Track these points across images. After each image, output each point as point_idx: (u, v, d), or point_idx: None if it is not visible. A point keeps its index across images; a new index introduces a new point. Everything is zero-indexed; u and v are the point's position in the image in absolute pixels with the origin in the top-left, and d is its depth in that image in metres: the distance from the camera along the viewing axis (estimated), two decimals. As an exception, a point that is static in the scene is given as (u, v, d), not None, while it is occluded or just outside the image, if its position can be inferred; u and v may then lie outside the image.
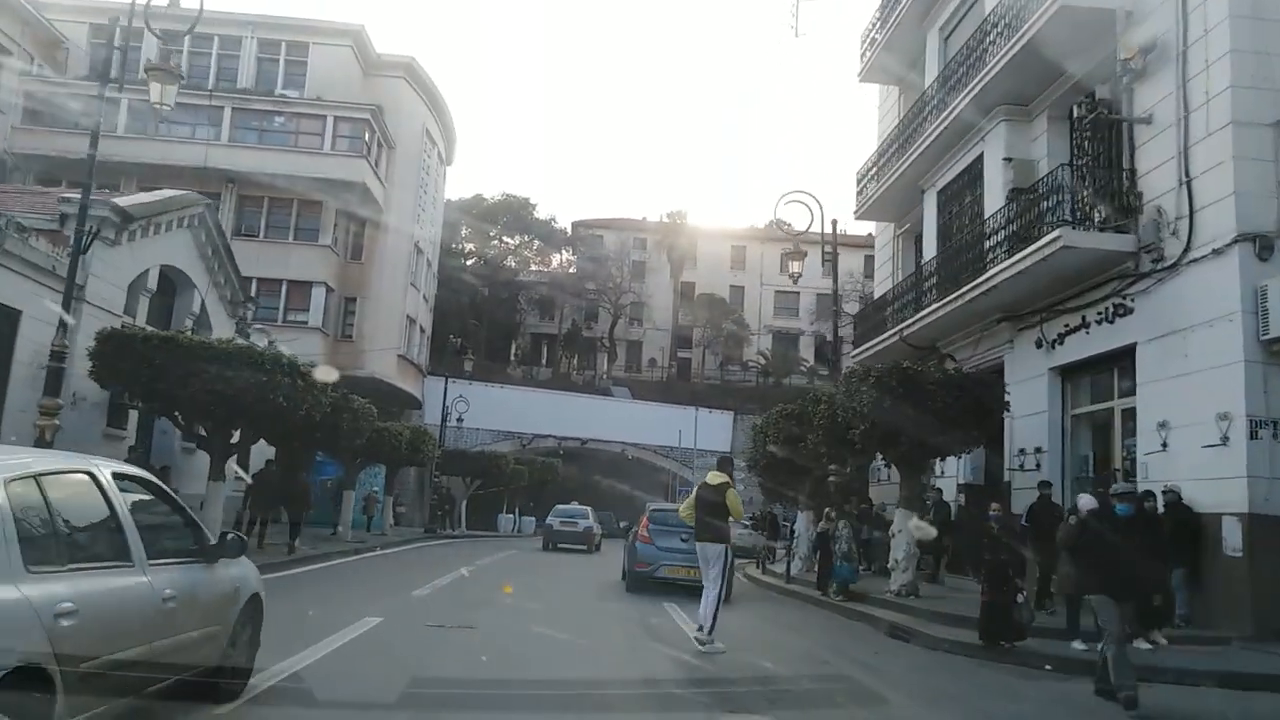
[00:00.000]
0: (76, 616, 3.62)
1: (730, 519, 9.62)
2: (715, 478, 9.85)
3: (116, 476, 4.50)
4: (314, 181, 32.83)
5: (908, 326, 16.66)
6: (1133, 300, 11.92)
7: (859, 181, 20.65)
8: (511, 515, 47.50)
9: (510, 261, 61.91)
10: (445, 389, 38.25)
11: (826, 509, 14.82)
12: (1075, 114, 13.34)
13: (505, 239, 60.60)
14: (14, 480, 3.63)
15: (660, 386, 61.19)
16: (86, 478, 4.25)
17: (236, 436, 14.98)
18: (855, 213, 18.35)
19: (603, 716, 6.54)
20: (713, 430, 56.83)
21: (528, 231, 59.50)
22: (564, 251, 61.78)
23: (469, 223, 60.01)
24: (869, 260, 68.91)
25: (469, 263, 60.71)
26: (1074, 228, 12.08)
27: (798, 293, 68.00)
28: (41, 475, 3.91)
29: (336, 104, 33.68)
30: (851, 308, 67.28)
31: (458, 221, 58.90)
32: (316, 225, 33.86)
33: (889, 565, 13.36)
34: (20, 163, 30.79)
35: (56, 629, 3.49)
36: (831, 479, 16.35)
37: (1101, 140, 12.95)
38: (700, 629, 9.03)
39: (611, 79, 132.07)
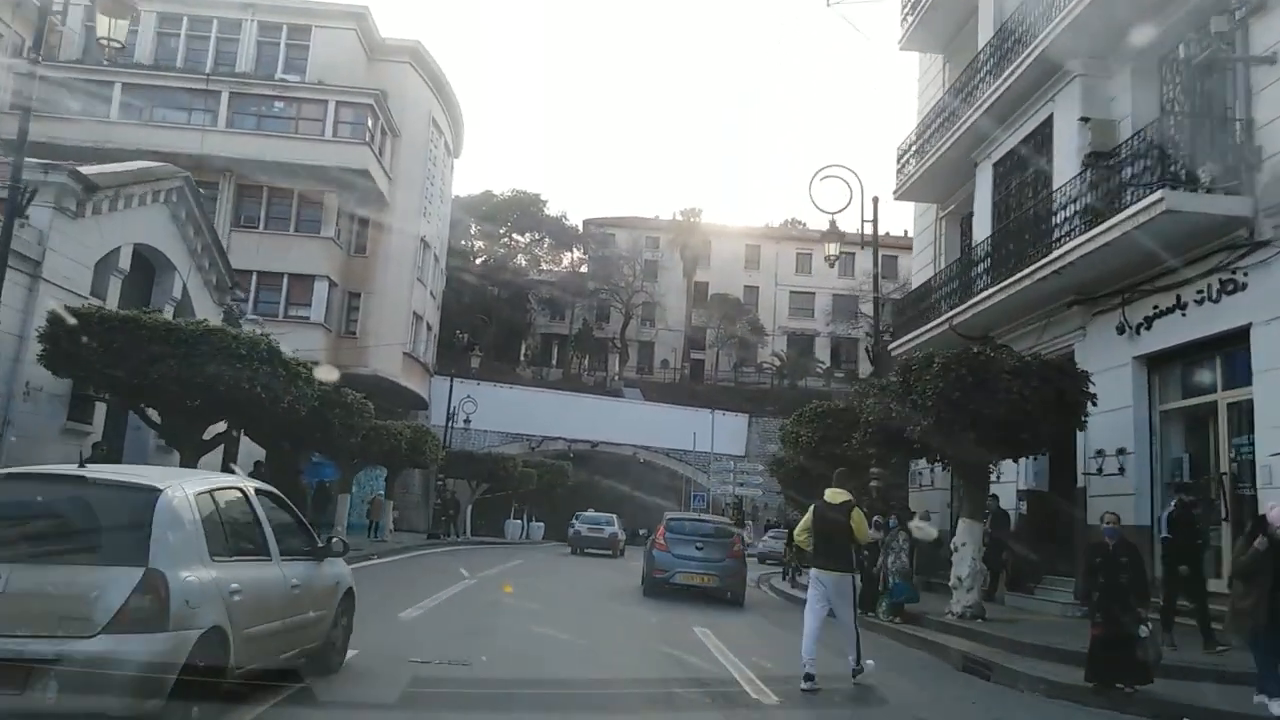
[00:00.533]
0: (241, 595, 5.02)
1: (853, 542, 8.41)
2: (836, 495, 8.39)
3: (258, 491, 5.98)
4: (315, 170, 31.33)
5: (958, 314, 14.91)
6: (1246, 274, 10.16)
7: (899, 159, 18.89)
8: (519, 521, 45.80)
9: (520, 260, 60.36)
10: (451, 388, 36.60)
11: (875, 517, 13.10)
12: (1183, 54, 11.55)
13: (515, 236, 59.05)
14: (199, 494, 5.08)
15: (672, 388, 59.50)
16: (239, 492, 5.76)
17: (212, 433, 13.35)
18: (894, 193, 16.61)
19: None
20: (727, 433, 55.15)
21: (538, 229, 57.95)
22: (575, 250, 60.15)
23: (477, 220, 58.53)
24: (888, 261, 67.25)
25: (478, 261, 59.21)
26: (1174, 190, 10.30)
27: (813, 293, 66.43)
28: (214, 490, 5.35)
29: (339, 89, 32.14)
30: (868, 309, 65.56)
31: (466, 218, 57.45)
32: (318, 217, 32.32)
33: (950, 584, 11.55)
34: (5, 149, 29.36)
35: (230, 602, 4.90)
36: (874, 483, 14.62)
37: (1204, 90, 11.21)
38: (853, 662, 8.17)
39: (622, 74, 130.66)
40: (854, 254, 69.26)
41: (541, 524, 48.39)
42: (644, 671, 8.48)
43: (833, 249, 15.28)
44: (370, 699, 5.90)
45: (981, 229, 14.96)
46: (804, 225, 71.42)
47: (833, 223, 15.24)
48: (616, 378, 58.91)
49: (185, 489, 4.99)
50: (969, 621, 11.14)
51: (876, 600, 12.29)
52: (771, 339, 63.82)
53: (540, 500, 49.01)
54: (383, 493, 27.14)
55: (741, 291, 64.09)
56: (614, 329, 62.55)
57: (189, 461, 12.66)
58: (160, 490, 4.80)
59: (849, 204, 15.15)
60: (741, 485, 41.78)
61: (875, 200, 16.13)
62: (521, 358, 58.97)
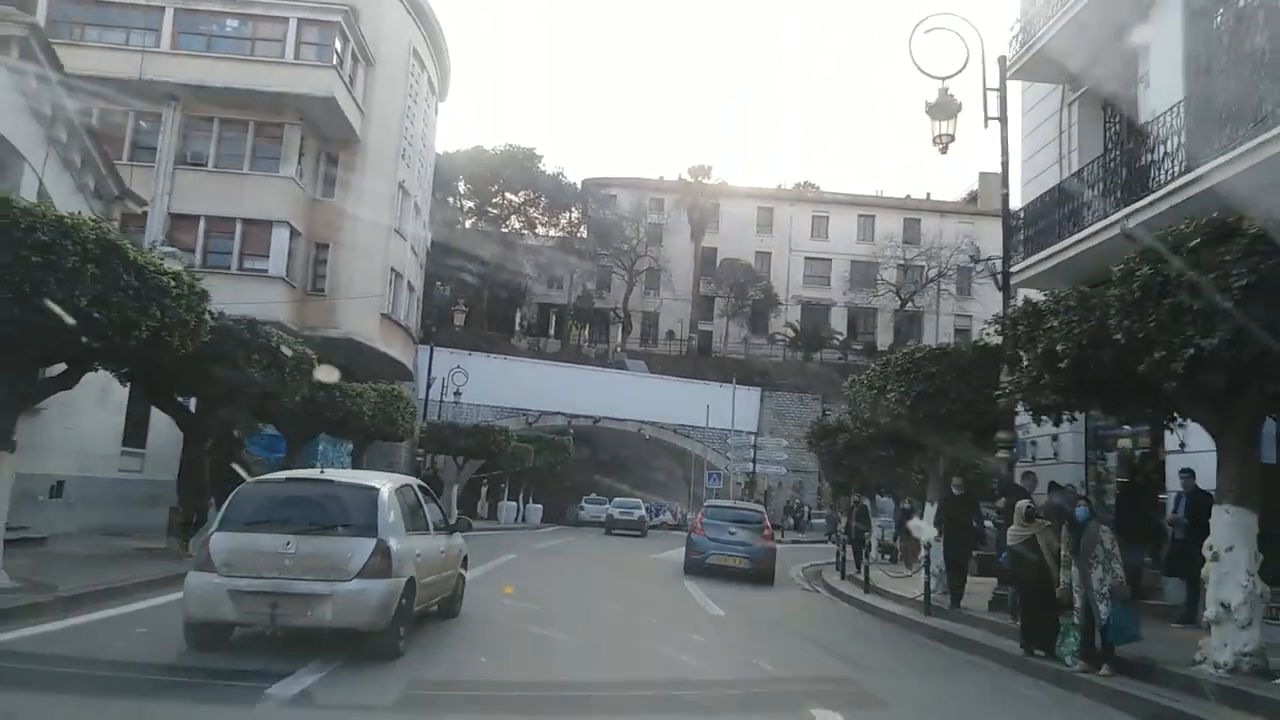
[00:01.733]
0: (420, 557, 7.85)
1: None
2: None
3: (419, 486, 9.09)
4: (274, 99, 27.00)
5: (1138, 211, 10.32)
6: None
7: (1021, 17, 14.08)
8: (514, 503, 41.68)
9: (515, 221, 55.87)
10: (430, 355, 32.47)
11: (1024, 503, 8.86)
12: None
13: (509, 195, 54.52)
14: (396, 489, 7.92)
15: (679, 361, 55.31)
16: (412, 488, 8.74)
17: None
18: (1009, 71, 12.10)
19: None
20: (738, 408, 51.00)
21: (534, 186, 53.41)
22: (573, 210, 55.64)
23: (467, 178, 54.03)
24: (910, 224, 62.95)
25: (468, 223, 54.75)
26: None
27: (829, 260, 62.18)
28: (401, 486, 8.24)
29: (302, 4, 27.65)
30: (890, 274, 61.40)
31: (455, 175, 52.96)
32: (277, 153, 27.87)
33: (1208, 618, 7.01)
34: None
35: (416, 562, 7.68)
36: (1001, 451, 10.43)
37: None
38: None
39: (624, 24, 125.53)
40: (873, 216, 65.21)
41: (539, 506, 44.33)
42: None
43: (945, 126, 10.87)
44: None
45: (1166, 93, 10.47)
46: (817, 188, 67.06)
47: (944, 90, 10.85)
48: (619, 349, 54.66)
49: (389, 486, 7.89)
50: (1245, 679, 6.81)
51: (1063, 637, 7.83)
52: (785, 309, 59.57)
53: (540, 480, 45.02)
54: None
55: (753, 258, 59.83)
56: (616, 297, 58.24)
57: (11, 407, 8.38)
58: (379, 489, 7.66)
59: (964, 66, 10.72)
60: (761, 463, 37.61)
61: (1002, 60, 11.66)
62: (517, 327, 54.65)
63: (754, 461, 36.59)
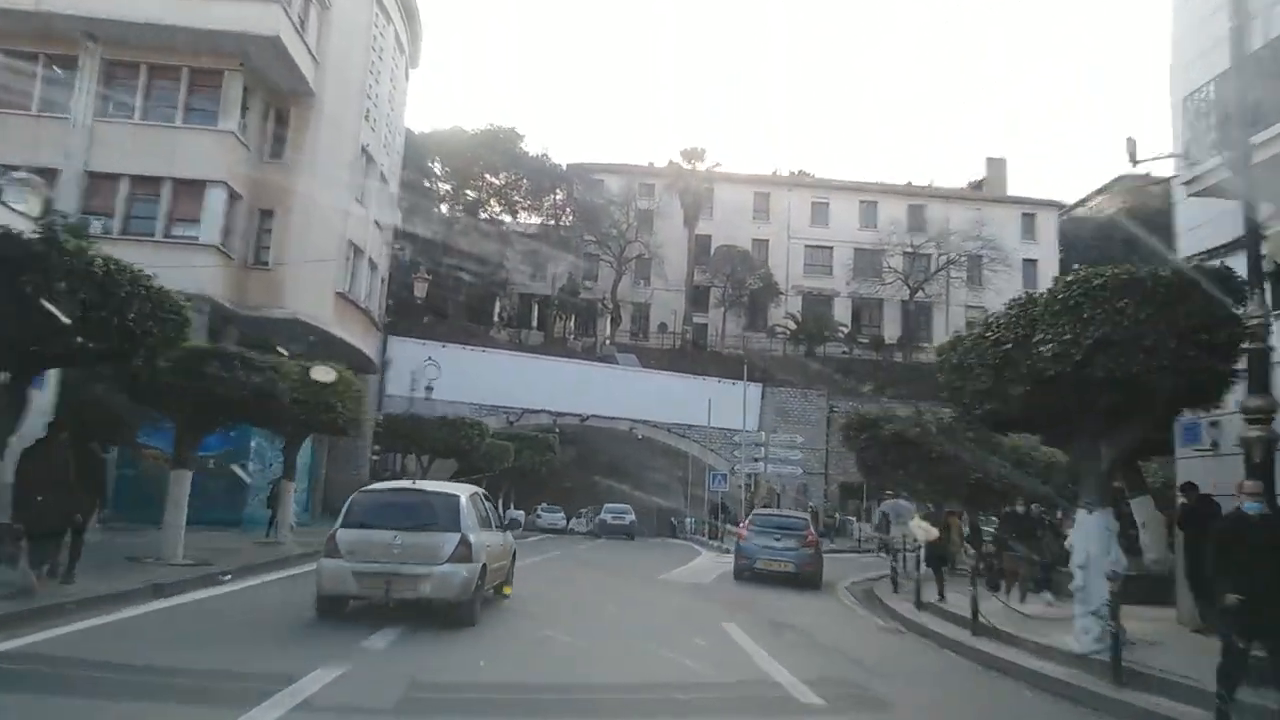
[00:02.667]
0: (487, 548, 10.03)
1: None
2: None
3: (485, 494, 11.63)
4: (208, 38, 23.17)
5: None
6: None
7: None
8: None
9: (495, 205, 51.95)
10: (384, 343, 28.71)
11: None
12: None
13: (489, 177, 50.62)
14: (470, 496, 10.36)
15: (672, 356, 51.56)
16: (480, 494, 11.08)
17: None
18: None
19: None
20: (738, 405, 47.29)
21: (516, 168, 49.54)
22: (558, 193, 51.79)
23: (445, 158, 50.10)
24: (914, 210, 59.46)
25: (445, 207, 50.82)
26: None
27: (830, 248, 58.65)
28: (474, 494, 10.64)
29: (239, -72, 23.73)
30: (896, 262, 57.83)
31: (431, 156, 49.05)
32: (215, 104, 23.96)
33: None
34: None
35: (486, 551, 9.93)
36: (1255, 427, 6.55)
37: None
38: None
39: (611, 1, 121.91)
40: (875, 202, 61.69)
41: (520, 512, 40.49)
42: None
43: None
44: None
45: None
46: (813, 177, 63.50)
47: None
48: (608, 342, 50.86)
49: (467, 494, 10.39)
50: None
51: None
52: (785, 299, 55.91)
53: (524, 483, 41.23)
54: (267, 469, 18.99)
55: (750, 246, 56.10)
56: (603, 287, 54.45)
57: None
58: (459, 496, 10.12)
59: None
60: (773, 463, 33.95)
61: None
62: (496, 319, 50.69)
63: (764, 461, 32.87)
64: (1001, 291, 58.83)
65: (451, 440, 24.51)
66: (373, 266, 31.09)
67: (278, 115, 25.84)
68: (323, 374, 14.80)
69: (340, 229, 27.42)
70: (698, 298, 55.83)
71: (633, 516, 39.67)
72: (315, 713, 5.64)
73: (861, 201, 59.41)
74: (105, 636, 8.06)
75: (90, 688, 6.07)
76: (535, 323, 52.10)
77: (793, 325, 54.60)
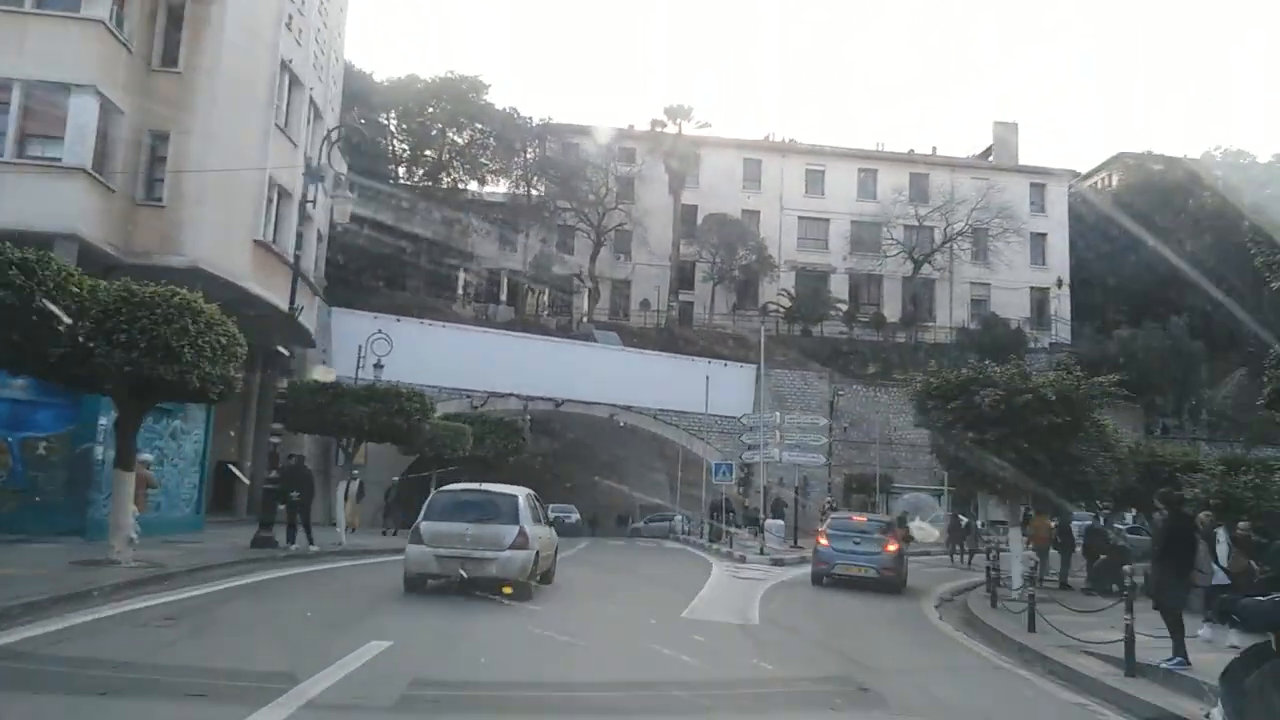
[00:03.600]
0: (540, 539, 12.50)
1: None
2: None
3: (536, 496, 13.55)
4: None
5: None
6: None
7: None
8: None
9: (458, 168, 46.51)
10: (289, 292, 23.36)
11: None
12: None
13: (451, 135, 45.21)
14: (526, 496, 12.73)
15: (656, 336, 46.53)
16: (533, 494, 13.24)
17: None
18: None
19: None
20: (729, 389, 42.41)
21: (480, 121, 44.14)
22: (528, 152, 46.47)
23: (401, 113, 44.64)
24: (917, 178, 54.82)
25: (401, 169, 45.39)
26: None
27: (826, 220, 53.88)
28: (527, 494, 12.87)
29: None
30: (898, 234, 53.22)
31: (383, 107, 43.57)
32: (83, -12, 18.59)
33: None
34: None
35: (539, 541, 12.36)
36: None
37: None
38: None
39: None
40: (875, 170, 56.99)
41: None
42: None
43: None
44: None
45: None
46: (807, 145, 58.61)
47: None
48: (585, 320, 45.70)
49: (524, 494, 12.60)
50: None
51: None
52: (778, 274, 51.06)
53: (486, 476, 35.90)
54: (95, 448, 13.74)
55: (740, 217, 51.10)
56: (580, 261, 49.28)
57: None
58: (517, 495, 12.34)
59: None
60: (791, 449, 29.07)
61: None
62: (461, 292, 45.31)
63: (780, 449, 27.97)
64: (1013, 265, 54.68)
65: (381, 417, 18.92)
66: (306, 218, 25.65)
67: (170, 13, 20.49)
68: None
69: (258, 158, 22.03)
70: (684, 273, 50.82)
71: (577, 516, 37.55)
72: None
73: (860, 170, 54.68)
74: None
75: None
76: (504, 297, 46.76)
77: (787, 303, 49.75)
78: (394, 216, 38.18)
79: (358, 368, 29.95)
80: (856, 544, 17.04)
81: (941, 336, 49.89)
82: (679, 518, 38.58)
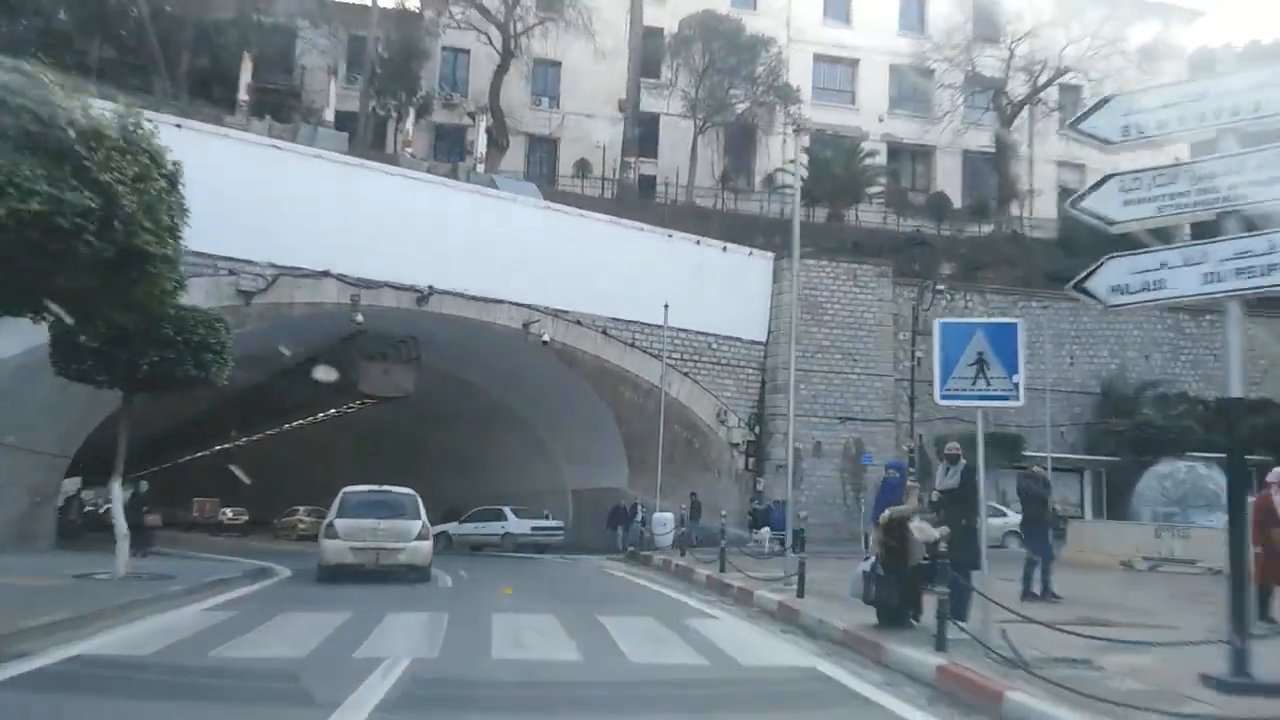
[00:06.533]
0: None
1: None
2: None
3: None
4: None
5: None
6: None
7: None
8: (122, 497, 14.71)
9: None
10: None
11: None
12: None
13: None
14: (417, 494, 14.69)
15: (601, 210, 28.07)
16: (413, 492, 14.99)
17: None
18: None
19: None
20: (734, 294, 24.85)
21: None
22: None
23: None
24: (981, 8, 37.36)
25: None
26: None
27: (855, 62, 36.13)
28: (417, 494, 14.76)
29: None
30: (954, 77, 35.64)
31: None
32: None
33: None
34: None
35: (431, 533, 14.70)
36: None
37: None
38: None
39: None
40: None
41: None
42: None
43: None
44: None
45: None
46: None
47: None
48: (478, 166, 26.97)
49: (416, 494, 14.53)
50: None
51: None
52: (789, 124, 32.84)
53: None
54: None
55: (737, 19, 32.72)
56: (479, 90, 30.70)
57: None
58: (415, 495, 14.46)
59: None
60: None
61: None
62: (244, 97, 25.69)
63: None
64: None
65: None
66: None
67: None
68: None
69: None
70: (645, 124, 32.54)
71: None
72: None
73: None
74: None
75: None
76: (331, 113, 27.02)
77: (804, 170, 31.93)
78: None
79: None
80: None
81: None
82: (656, 513, 20.90)
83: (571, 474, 26.56)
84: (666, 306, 21.06)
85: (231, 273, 18.37)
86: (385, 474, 18.13)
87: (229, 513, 39.19)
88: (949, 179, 35.61)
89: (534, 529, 23.37)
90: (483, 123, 27.45)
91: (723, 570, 13.67)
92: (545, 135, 33.53)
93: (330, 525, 13.48)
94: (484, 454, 28.94)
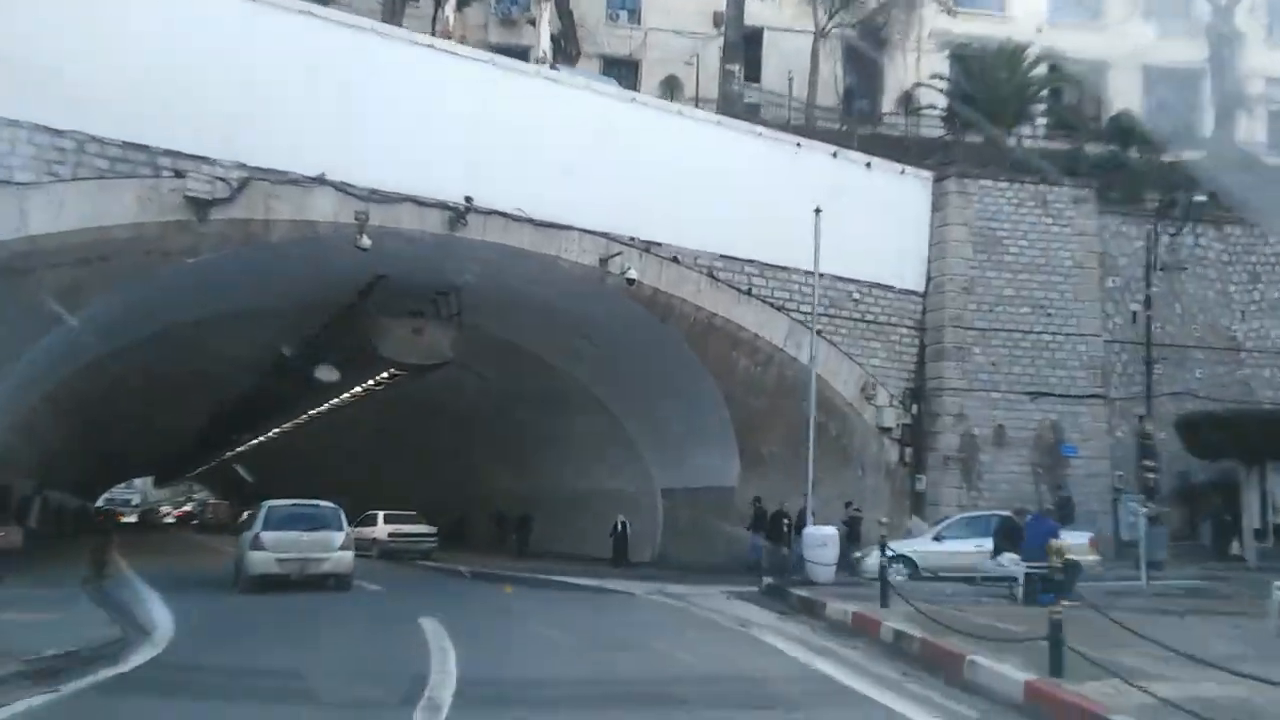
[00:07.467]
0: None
1: None
2: None
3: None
4: None
5: None
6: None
7: None
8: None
9: None
10: None
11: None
12: None
13: None
14: (341, 508, 15.23)
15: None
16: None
17: None
18: None
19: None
20: (875, 218, 18.15)
21: None
22: None
23: None
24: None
25: None
26: None
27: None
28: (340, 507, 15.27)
29: None
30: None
31: None
32: None
33: None
34: None
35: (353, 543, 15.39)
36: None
37: None
38: None
39: None
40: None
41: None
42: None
43: None
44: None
45: None
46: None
47: None
48: (545, 59, 20.79)
49: (340, 508, 14.74)
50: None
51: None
52: (921, 52, 26.05)
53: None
54: None
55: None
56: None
57: None
58: (339, 508, 14.71)
59: None
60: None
61: None
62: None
63: None
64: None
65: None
66: None
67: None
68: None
69: None
70: (747, 42, 26.05)
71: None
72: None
73: None
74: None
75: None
76: None
77: (942, 86, 25.05)
78: None
79: None
80: None
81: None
82: (807, 530, 14.53)
83: (662, 470, 20.30)
84: (818, 211, 14.56)
85: (178, 174, 12.56)
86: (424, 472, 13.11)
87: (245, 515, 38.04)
88: (1126, 102, 28.31)
89: (391, 534, 22.65)
90: (546, 14, 21.15)
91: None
92: (624, 56, 27.47)
93: (257, 537, 13.71)
94: (548, 441, 22.96)
